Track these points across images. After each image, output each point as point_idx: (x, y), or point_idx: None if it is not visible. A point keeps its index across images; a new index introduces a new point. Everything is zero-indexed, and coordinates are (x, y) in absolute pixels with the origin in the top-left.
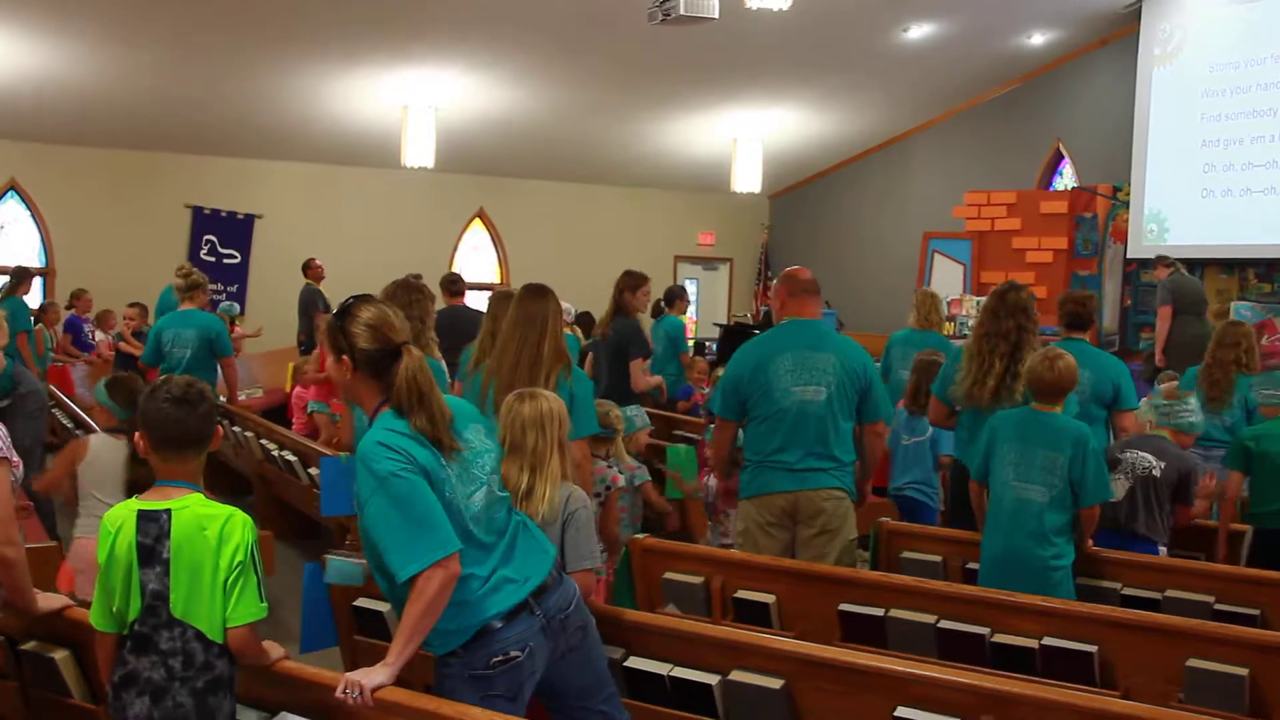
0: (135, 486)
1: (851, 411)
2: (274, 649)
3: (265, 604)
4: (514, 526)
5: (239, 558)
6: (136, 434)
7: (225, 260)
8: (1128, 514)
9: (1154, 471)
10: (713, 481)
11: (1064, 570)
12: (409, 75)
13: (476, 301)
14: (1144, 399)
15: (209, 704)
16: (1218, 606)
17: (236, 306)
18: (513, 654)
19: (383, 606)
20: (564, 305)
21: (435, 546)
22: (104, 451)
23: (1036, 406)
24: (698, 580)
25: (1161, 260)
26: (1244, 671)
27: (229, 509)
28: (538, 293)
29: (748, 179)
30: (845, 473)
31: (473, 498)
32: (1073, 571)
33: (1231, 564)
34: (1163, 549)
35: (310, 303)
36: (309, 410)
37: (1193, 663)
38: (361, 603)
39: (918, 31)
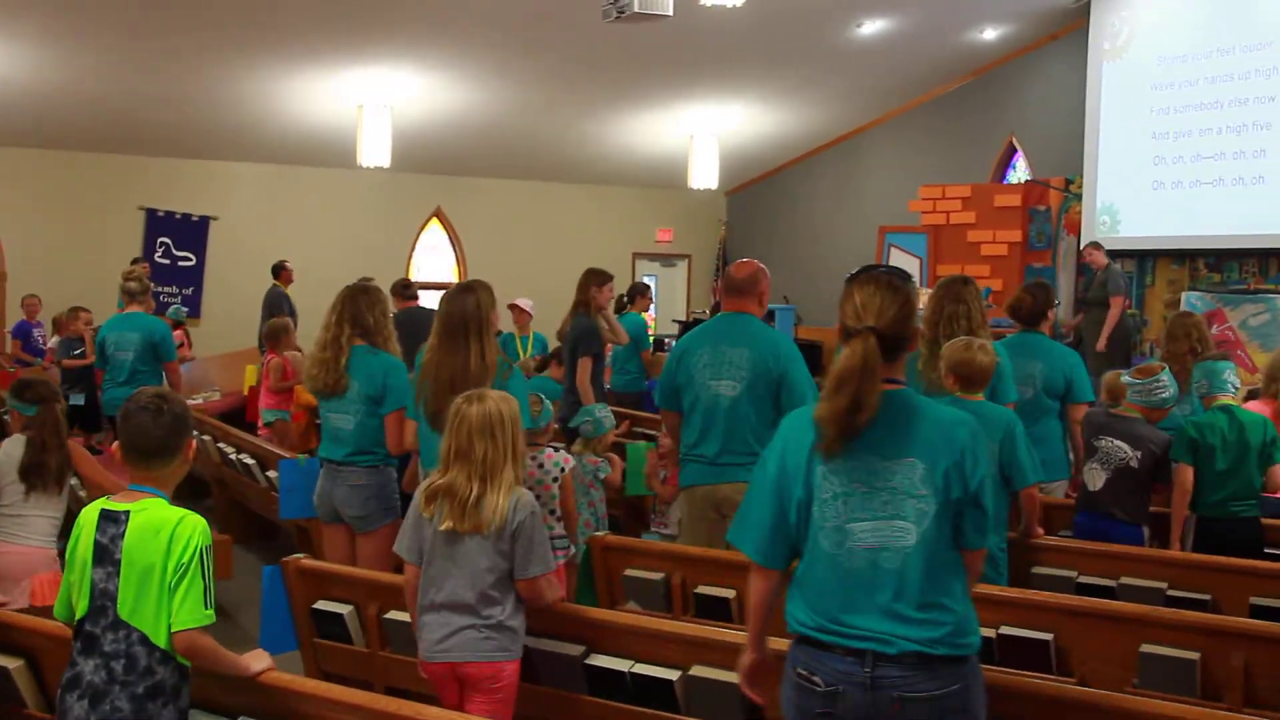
0: (25, 473)
1: (768, 404)
2: (259, 660)
3: (212, 610)
4: None
5: (185, 558)
6: (114, 443)
7: (180, 263)
8: (1109, 501)
9: (1131, 463)
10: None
11: (1001, 556)
12: (364, 74)
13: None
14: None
15: (147, 710)
16: (1170, 592)
17: (185, 310)
18: None
19: (343, 608)
20: (525, 302)
21: None
22: (12, 451)
23: (961, 395)
24: (658, 576)
25: (1099, 246)
26: (1195, 656)
27: (184, 512)
28: (465, 290)
29: (704, 175)
30: None
31: None
32: (1021, 558)
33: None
34: (1145, 530)
35: (276, 306)
36: (264, 421)
37: (1146, 648)
38: (322, 605)
39: (871, 27)
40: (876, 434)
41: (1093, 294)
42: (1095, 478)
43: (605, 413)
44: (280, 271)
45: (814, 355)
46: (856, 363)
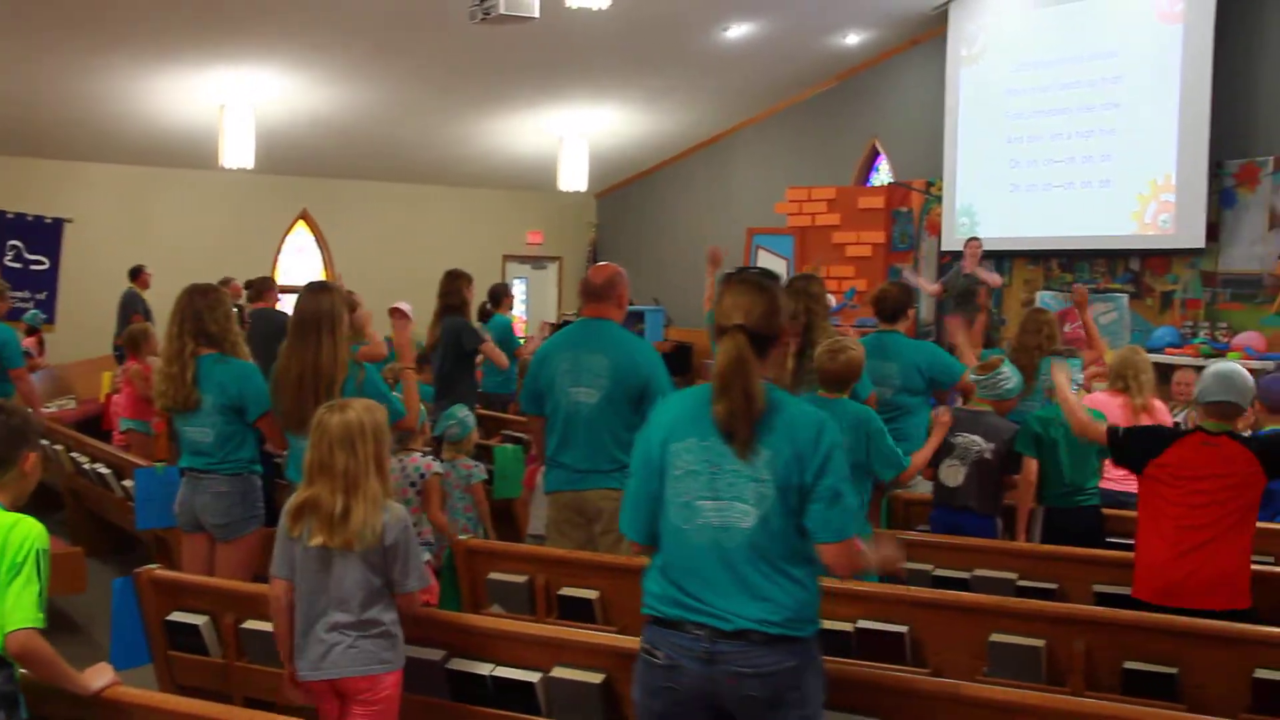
0: None
1: (629, 411)
2: (100, 676)
3: (43, 615)
4: None
5: (20, 559)
6: None
7: (32, 267)
8: (965, 494)
9: (986, 454)
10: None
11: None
12: (225, 74)
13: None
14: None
15: None
16: (1020, 583)
17: (42, 315)
18: None
19: (198, 619)
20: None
21: None
22: None
23: (822, 394)
24: (522, 579)
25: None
26: (1040, 643)
27: (19, 516)
28: (316, 289)
29: (574, 178)
30: (626, 473)
31: None
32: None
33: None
34: (999, 520)
35: (131, 310)
36: (122, 428)
37: (995, 637)
38: (176, 616)
39: (737, 31)
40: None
41: (965, 285)
42: (955, 474)
43: (466, 413)
44: (138, 275)
45: (685, 356)
46: (733, 358)
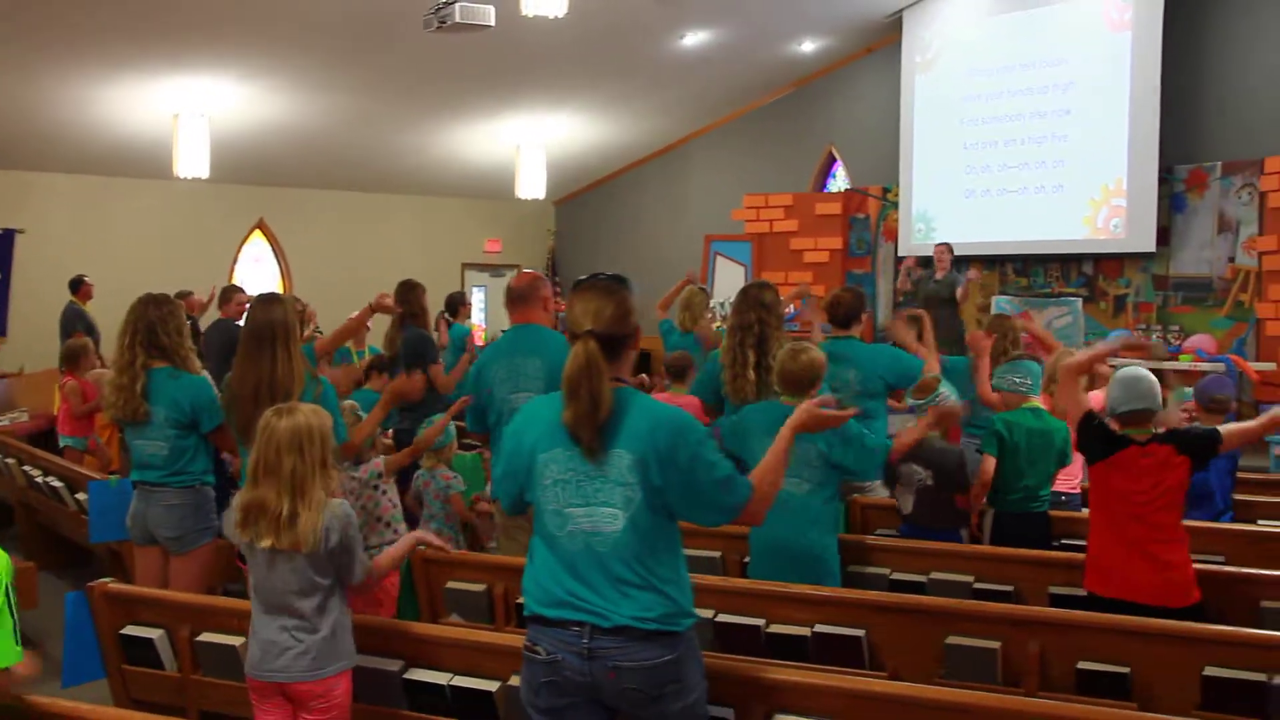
0: None
1: None
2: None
3: (20, 648)
4: None
5: None
6: None
7: None
8: (919, 517)
9: (927, 482)
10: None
11: (832, 556)
12: (179, 83)
13: None
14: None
15: None
16: (976, 585)
17: None
18: None
19: (153, 633)
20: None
21: None
22: None
23: (785, 400)
24: (480, 588)
25: (949, 249)
26: (996, 645)
27: None
28: (269, 301)
29: (532, 186)
30: None
31: None
32: (844, 558)
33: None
34: (964, 532)
35: (71, 325)
36: (61, 445)
37: (951, 640)
38: (130, 630)
39: (693, 39)
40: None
41: (937, 292)
42: (905, 501)
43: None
44: (79, 287)
45: (644, 364)
46: (582, 363)
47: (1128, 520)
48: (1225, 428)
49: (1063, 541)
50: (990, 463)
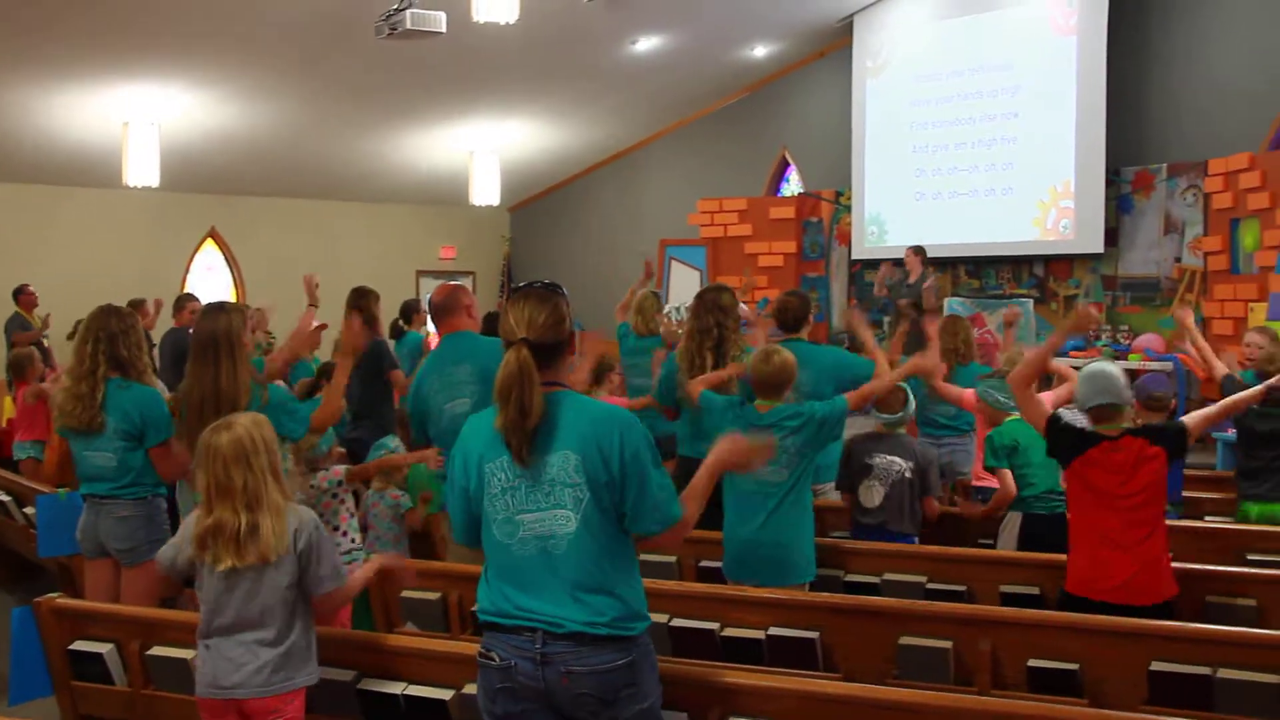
0: None
1: None
2: None
3: None
4: None
5: None
6: None
7: None
8: (882, 513)
9: (907, 474)
10: None
11: (803, 553)
12: (129, 91)
13: None
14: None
15: None
16: (930, 586)
17: None
18: None
19: (103, 647)
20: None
21: None
22: None
23: (760, 407)
24: (435, 596)
25: (919, 252)
26: (948, 644)
27: None
28: (215, 310)
29: (486, 192)
30: None
31: None
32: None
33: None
34: (917, 540)
35: (10, 331)
36: (15, 457)
37: (904, 640)
38: (79, 645)
39: (645, 44)
40: (538, 430)
41: (907, 298)
42: (873, 494)
43: (398, 443)
44: (20, 294)
45: (603, 369)
46: (514, 371)
47: (1108, 519)
48: (1189, 416)
49: None
50: (1006, 475)
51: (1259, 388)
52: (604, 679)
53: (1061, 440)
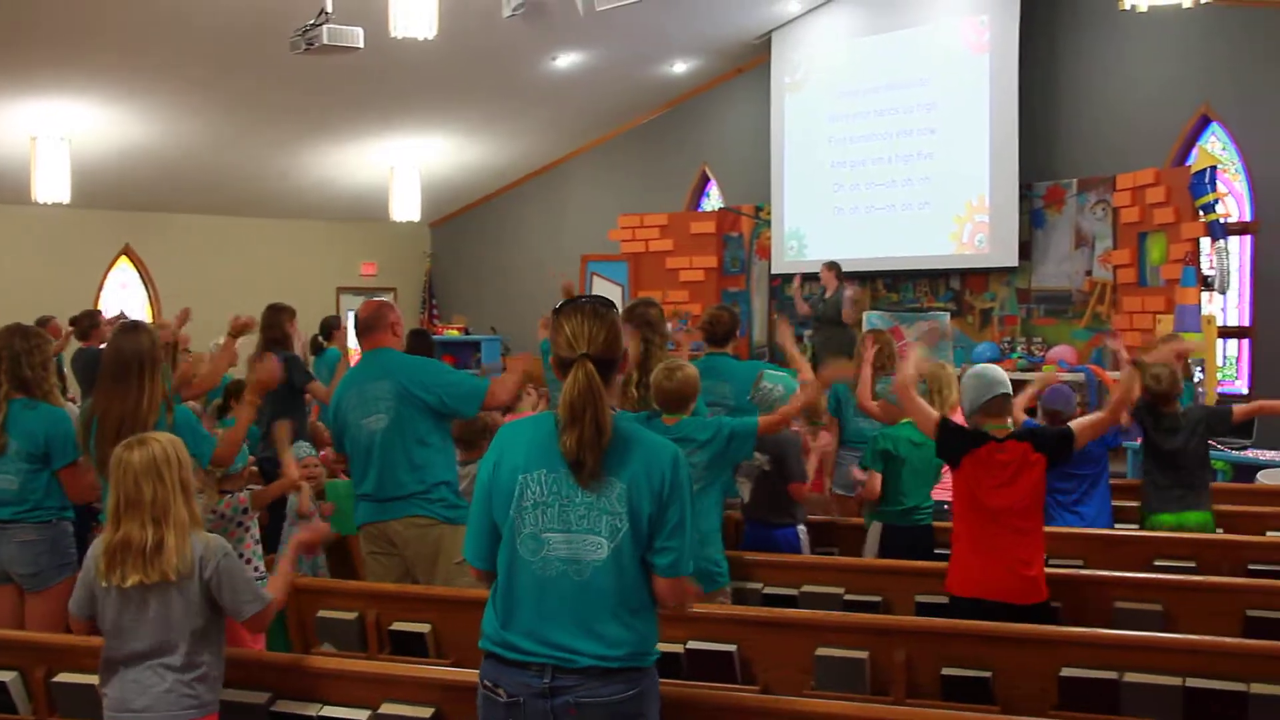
0: None
1: (423, 429)
2: None
3: None
4: None
5: None
6: None
7: None
8: (755, 507)
9: (765, 467)
10: None
11: (720, 570)
12: (36, 105)
13: None
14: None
15: None
16: (847, 597)
17: None
18: None
19: (6, 675)
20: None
21: None
22: None
23: (666, 420)
24: (351, 616)
25: (834, 267)
26: (864, 654)
27: None
28: (131, 329)
29: (407, 208)
30: (427, 499)
31: None
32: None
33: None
34: (801, 527)
35: None
36: None
37: (820, 651)
38: None
39: (565, 60)
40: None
41: (825, 312)
42: (744, 490)
43: (309, 448)
44: None
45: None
46: (585, 388)
47: (988, 520)
48: (1076, 423)
49: (938, 552)
50: (876, 477)
51: (1122, 397)
52: (612, 710)
53: (951, 440)
